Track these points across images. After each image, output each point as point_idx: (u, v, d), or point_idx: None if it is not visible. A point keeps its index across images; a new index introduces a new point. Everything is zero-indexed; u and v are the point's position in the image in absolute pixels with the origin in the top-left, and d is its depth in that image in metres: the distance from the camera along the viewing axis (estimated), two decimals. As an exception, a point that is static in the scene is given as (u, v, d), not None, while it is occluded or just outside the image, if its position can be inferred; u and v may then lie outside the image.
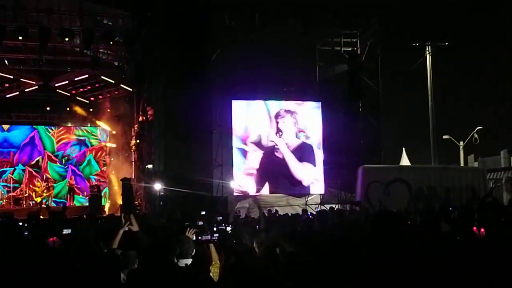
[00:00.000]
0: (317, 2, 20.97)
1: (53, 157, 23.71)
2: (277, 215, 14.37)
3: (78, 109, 23.81)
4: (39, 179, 22.79)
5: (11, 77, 21.50)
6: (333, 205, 18.82)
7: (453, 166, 23.33)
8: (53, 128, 23.98)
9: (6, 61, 21.80)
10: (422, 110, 25.13)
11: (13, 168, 22.82)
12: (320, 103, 20.59)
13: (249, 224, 9.03)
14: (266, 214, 12.69)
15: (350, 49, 21.40)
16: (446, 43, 24.65)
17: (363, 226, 7.40)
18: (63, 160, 23.78)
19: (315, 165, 19.95)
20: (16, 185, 22.53)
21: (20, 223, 11.75)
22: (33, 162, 23.27)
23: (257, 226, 8.21)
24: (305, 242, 5.16)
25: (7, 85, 22.07)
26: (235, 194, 19.52)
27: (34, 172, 23.15)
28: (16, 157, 23.12)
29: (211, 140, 19.53)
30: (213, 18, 19.15)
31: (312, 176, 19.92)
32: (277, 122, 19.89)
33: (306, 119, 20.26)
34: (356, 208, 16.17)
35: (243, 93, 20.32)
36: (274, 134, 19.76)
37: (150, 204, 19.27)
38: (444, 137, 26.21)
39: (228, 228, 6.76)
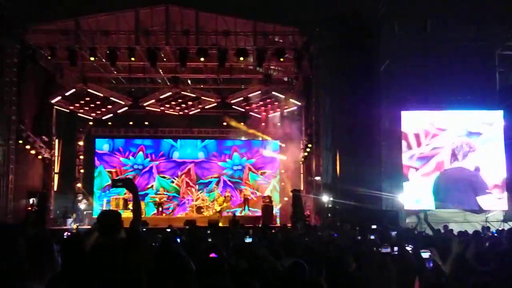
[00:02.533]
0: (494, 4, 19.36)
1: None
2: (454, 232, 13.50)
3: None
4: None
5: (194, 95, 23.59)
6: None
7: None
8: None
9: (189, 81, 24.09)
10: None
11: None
12: (502, 111, 18.90)
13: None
14: (443, 231, 12.01)
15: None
16: None
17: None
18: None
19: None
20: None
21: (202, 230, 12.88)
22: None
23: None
24: (493, 261, 4.81)
25: (190, 102, 24.29)
26: (405, 208, 18.81)
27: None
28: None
29: (380, 153, 19.17)
30: (381, 28, 18.86)
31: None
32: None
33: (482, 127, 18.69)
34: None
35: (413, 104, 19.58)
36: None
37: (319, 216, 19.53)
38: None
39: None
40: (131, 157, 25.38)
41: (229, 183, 25.32)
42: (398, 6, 18.80)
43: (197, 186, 25.06)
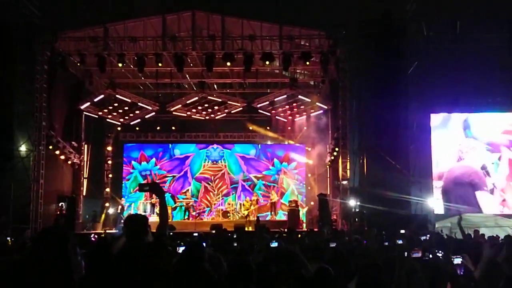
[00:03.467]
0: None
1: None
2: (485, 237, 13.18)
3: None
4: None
5: (220, 100, 23.69)
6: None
7: None
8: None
9: (215, 86, 24.20)
10: None
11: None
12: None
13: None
14: (473, 235, 11.74)
15: None
16: None
17: None
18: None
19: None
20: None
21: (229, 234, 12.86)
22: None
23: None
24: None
25: (216, 107, 24.39)
26: (435, 212, 18.50)
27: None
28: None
29: (408, 156, 18.90)
30: (409, 30, 18.62)
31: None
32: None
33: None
34: None
35: (442, 106, 19.28)
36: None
37: (346, 220, 19.33)
38: None
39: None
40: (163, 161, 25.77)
41: (247, 187, 25.29)
42: (426, 7, 18.56)
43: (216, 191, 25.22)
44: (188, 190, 25.06)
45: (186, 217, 23.40)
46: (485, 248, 5.07)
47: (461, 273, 5.08)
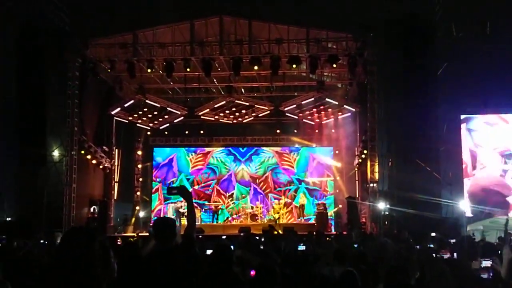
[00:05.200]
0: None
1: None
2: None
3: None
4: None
5: (247, 103, 23.80)
6: None
7: None
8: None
9: (242, 90, 24.34)
10: None
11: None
12: None
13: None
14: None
15: None
16: None
17: None
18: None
19: None
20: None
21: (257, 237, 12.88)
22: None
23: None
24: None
25: (244, 111, 24.52)
26: (467, 215, 18.18)
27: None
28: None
29: (439, 158, 18.61)
30: (438, 31, 18.37)
31: None
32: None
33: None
34: None
35: (472, 107, 18.98)
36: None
37: (375, 223, 19.16)
38: None
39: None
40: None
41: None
42: (455, 8, 18.29)
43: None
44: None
45: (215, 221, 23.58)
46: (505, 250, 4.99)
47: (490, 276, 5.01)
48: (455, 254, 5.59)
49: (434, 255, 5.32)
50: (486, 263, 5.10)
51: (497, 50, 18.10)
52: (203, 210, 24.30)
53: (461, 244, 8.48)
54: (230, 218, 24.46)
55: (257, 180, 25.45)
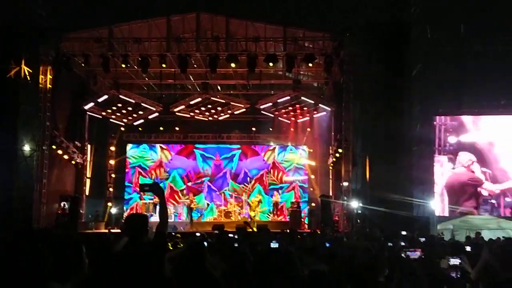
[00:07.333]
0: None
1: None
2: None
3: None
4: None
5: (223, 101, 23.73)
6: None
7: None
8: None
9: (219, 87, 24.26)
10: None
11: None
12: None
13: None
14: (474, 237, 11.75)
15: None
16: None
17: None
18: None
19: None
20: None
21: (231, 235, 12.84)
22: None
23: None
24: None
25: (219, 108, 24.43)
26: (437, 214, 18.51)
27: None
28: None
29: (411, 158, 18.89)
30: (413, 32, 18.63)
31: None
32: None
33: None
34: None
35: (446, 108, 19.30)
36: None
37: (348, 222, 19.35)
38: None
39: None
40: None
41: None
42: (430, 11, 18.57)
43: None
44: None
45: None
46: (483, 251, 5.09)
47: (458, 275, 5.10)
48: (424, 253, 5.67)
49: (404, 253, 5.39)
50: (454, 261, 5.20)
51: (471, 52, 18.46)
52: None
53: (430, 242, 8.65)
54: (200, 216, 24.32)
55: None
